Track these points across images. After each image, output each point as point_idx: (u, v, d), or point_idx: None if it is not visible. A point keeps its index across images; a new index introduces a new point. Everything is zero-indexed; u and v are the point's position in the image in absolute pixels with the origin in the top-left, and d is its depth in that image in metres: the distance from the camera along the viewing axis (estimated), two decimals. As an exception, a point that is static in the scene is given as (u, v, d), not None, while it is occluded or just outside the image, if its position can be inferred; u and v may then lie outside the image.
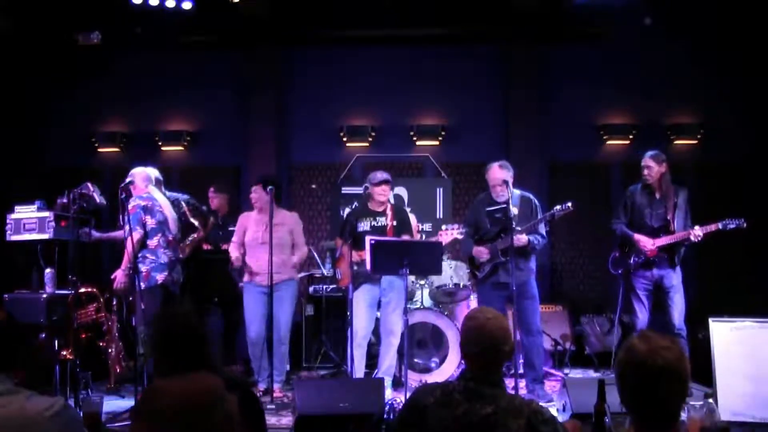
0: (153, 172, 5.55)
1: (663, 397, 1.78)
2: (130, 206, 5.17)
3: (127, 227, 4.93)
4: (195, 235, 5.99)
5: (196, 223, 5.92)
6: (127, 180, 5.31)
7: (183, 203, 5.87)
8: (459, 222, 5.73)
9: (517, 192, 5.35)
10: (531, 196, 5.45)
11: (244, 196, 7.58)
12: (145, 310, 4.86)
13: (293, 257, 5.51)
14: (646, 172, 5.42)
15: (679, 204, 5.39)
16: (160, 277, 5.23)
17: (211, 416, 1.40)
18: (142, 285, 5.00)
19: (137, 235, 5.12)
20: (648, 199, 5.45)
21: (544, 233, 5.39)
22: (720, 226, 5.22)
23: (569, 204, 5.09)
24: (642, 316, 5.42)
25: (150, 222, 5.26)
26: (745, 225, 5.22)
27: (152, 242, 5.26)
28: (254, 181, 5.62)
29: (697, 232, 5.22)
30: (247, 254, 5.48)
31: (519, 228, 5.14)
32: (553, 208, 5.19)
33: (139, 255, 5.16)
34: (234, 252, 5.49)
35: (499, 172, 5.28)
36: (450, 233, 5.28)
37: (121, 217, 5.10)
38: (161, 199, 5.43)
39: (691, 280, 5.57)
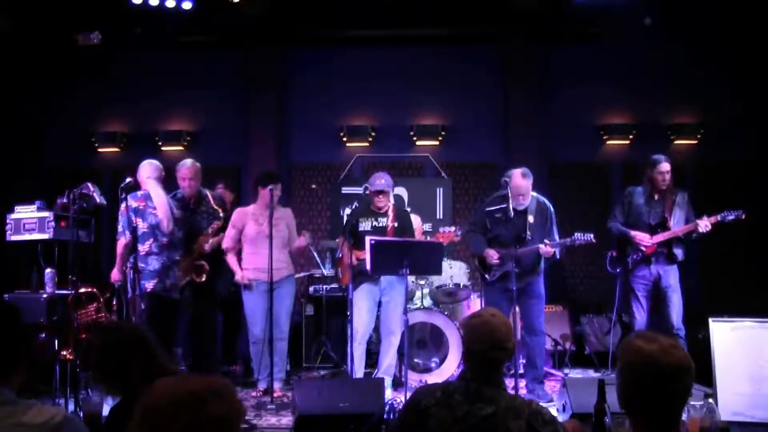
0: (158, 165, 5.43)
1: (675, 395, 1.79)
2: (123, 207, 5.03)
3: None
4: (217, 223, 5.63)
5: (220, 211, 5.65)
6: (127, 180, 5.10)
7: (206, 191, 5.69)
8: (459, 223, 5.73)
9: (534, 194, 5.33)
10: (546, 202, 5.42)
11: (244, 196, 7.59)
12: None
13: (296, 244, 5.52)
14: (668, 177, 5.35)
15: (678, 202, 5.39)
16: (148, 286, 5.06)
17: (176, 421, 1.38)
18: (130, 292, 4.93)
19: (124, 240, 5.05)
20: (646, 199, 5.46)
21: (558, 239, 5.38)
22: (719, 218, 5.25)
23: (591, 236, 5.08)
24: (640, 317, 5.43)
25: (141, 225, 5.09)
26: (743, 216, 5.24)
27: (143, 247, 5.09)
28: (273, 180, 5.42)
29: (705, 223, 5.22)
30: (250, 250, 5.46)
31: (547, 241, 5.14)
32: (574, 234, 5.14)
33: (129, 261, 4.99)
34: (228, 243, 5.47)
35: (522, 182, 5.23)
36: (447, 236, 5.27)
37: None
38: (157, 198, 5.19)
39: (691, 280, 5.57)
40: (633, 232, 5.39)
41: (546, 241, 5.11)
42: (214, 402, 1.40)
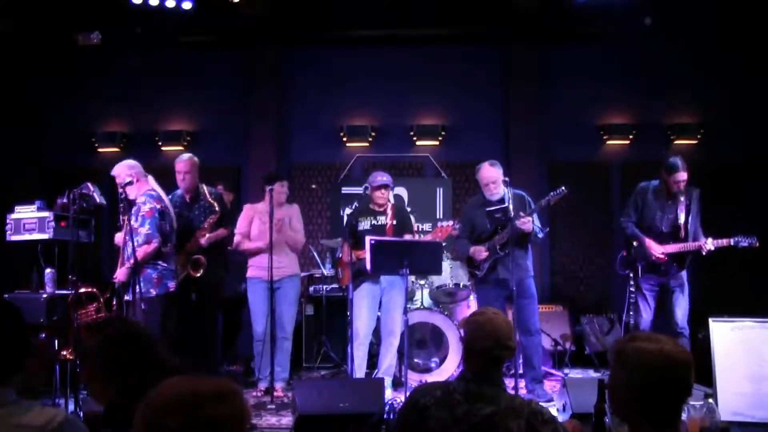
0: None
1: (685, 391, 1.80)
2: (146, 208, 4.88)
3: (134, 225, 4.74)
4: (213, 217, 5.48)
5: (216, 206, 5.54)
6: (127, 180, 4.99)
7: (203, 187, 5.64)
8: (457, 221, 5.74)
9: (504, 189, 5.36)
10: (523, 193, 5.46)
11: (244, 196, 7.59)
12: (152, 316, 4.70)
13: (294, 235, 5.52)
14: (682, 186, 5.23)
15: (692, 208, 5.30)
16: (171, 285, 5.03)
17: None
18: (153, 292, 4.83)
19: (155, 243, 4.84)
20: (660, 202, 5.36)
21: (541, 225, 5.39)
22: (732, 242, 5.17)
23: (563, 188, 5.08)
24: (646, 315, 5.40)
25: (165, 227, 5.03)
26: (757, 244, 5.15)
27: (166, 249, 5.04)
28: (270, 180, 5.44)
29: (709, 247, 5.16)
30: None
31: (522, 213, 5.15)
32: (549, 194, 5.19)
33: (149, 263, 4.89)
34: (238, 237, 5.51)
35: (491, 171, 5.33)
36: (444, 230, 5.28)
37: (121, 217, 4.95)
38: (165, 197, 5.16)
39: (691, 280, 5.56)
40: (648, 242, 5.31)
41: (520, 213, 5.12)
42: (212, 404, 1.39)
